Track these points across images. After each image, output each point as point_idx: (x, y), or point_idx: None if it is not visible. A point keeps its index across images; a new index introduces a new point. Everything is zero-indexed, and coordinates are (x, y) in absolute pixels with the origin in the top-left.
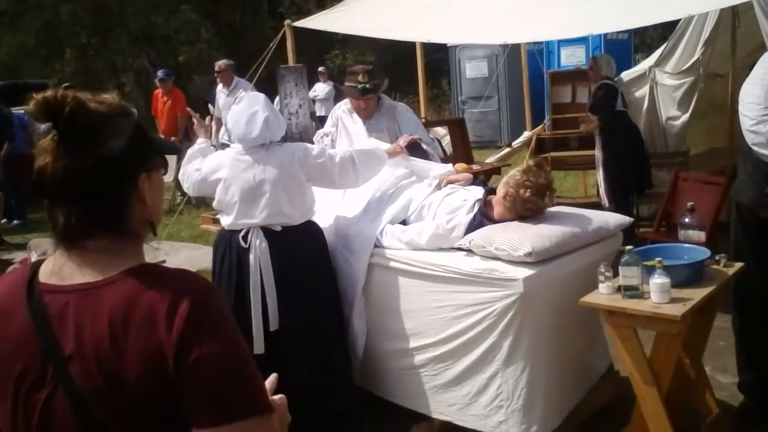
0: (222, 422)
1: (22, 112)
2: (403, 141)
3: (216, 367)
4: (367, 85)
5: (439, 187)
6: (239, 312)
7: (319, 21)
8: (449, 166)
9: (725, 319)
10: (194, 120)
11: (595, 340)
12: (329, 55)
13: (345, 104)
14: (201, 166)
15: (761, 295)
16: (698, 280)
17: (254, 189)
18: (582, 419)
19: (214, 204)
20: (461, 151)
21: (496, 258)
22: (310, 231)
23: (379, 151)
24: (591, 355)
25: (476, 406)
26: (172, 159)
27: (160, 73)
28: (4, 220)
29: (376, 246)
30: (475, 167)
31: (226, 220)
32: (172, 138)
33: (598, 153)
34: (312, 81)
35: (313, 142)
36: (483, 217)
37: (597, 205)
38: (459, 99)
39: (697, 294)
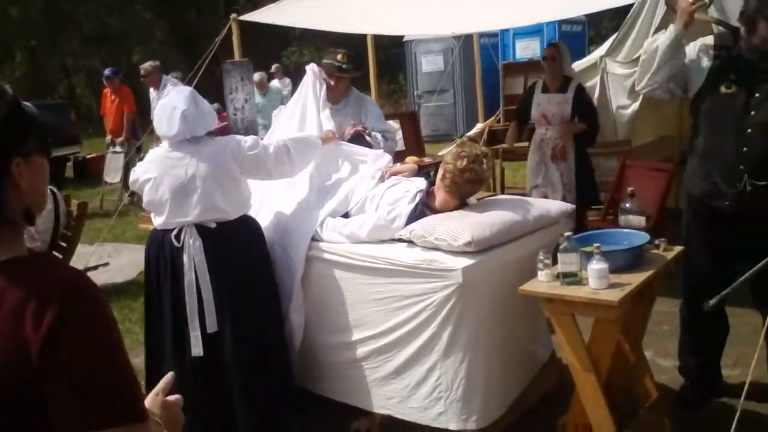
0: (85, 429)
1: None
2: (349, 130)
3: (82, 369)
4: (344, 66)
5: (382, 179)
6: (177, 315)
7: (266, 14)
8: (386, 156)
9: (669, 303)
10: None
11: (537, 329)
12: (285, 52)
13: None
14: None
15: (709, 283)
16: (637, 265)
17: (185, 186)
18: (524, 408)
19: (144, 204)
20: (413, 145)
21: (436, 248)
22: (246, 226)
23: (312, 137)
24: (533, 344)
25: (415, 399)
26: (119, 159)
27: (107, 72)
28: None
29: (315, 239)
30: (426, 160)
31: (157, 220)
32: (120, 138)
33: (571, 164)
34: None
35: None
36: (425, 208)
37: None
38: (415, 93)
39: (635, 279)
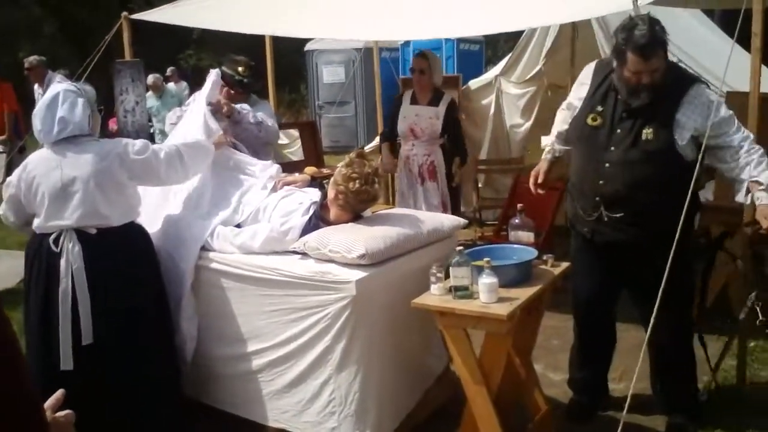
0: None
1: None
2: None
3: None
4: (245, 80)
5: (275, 189)
6: (48, 325)
7: (160, 14)
8: (275, 166)
9: (559, 318)
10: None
11: (431, 341)
12: (183, 55)
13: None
14: None
15: (590, 300)
16: (526, 279)
17: (65, 188)
18: (418, 421)
19: (11, 208)
20: (312, 155)
21: (330, 260)
22: (131, 233)
23: (204, 142)
24: (427, 356)
25: (309, 413)
26: (0, 159)
27: None
28: None
29: (205, 249)
30: (325, 171)
31: (36, 223)
32: (2, 137)
33: (443, 182)
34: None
35: (153, 141)
36: (319, 220)
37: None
38: (316, 104)
39: (524, 293)
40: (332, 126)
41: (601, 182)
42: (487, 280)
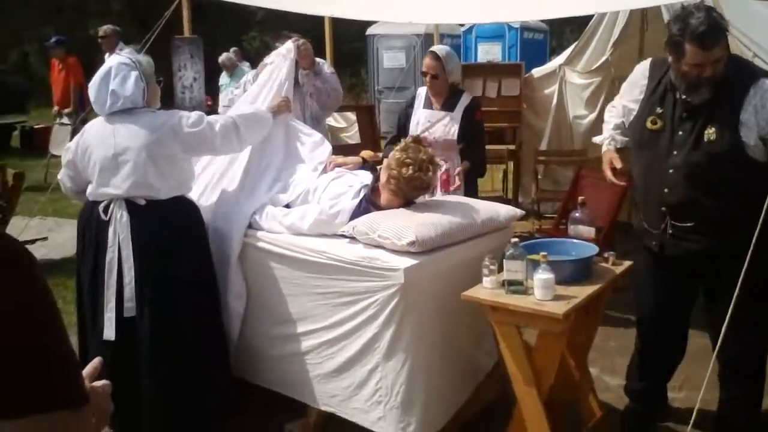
0: (15, 414)
1: None
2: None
3: (10, 347)
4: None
5: (325, 170)
6: (96, 294)
7: None
8: (327, 145)
9: (617, 319)
10: None
11: (481, 336)
12: (246, 37)
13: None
14: None
15: (657, 317)
16: (585, 277)
17: (116, 156)
18: (466, 418)
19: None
20: (368, 139)
21: (379, 246)
22: (180, 207)
23: (262, 111)
24: (477, 352)
25: (357, 400)
26: (65, 131)
27: (51, 41)
28: None
29: (254, 227)
30: (380, 155)
31: (88, 189)
32: (66, 109)
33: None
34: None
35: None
36: (369, 204)
37: (501, 200)
38: (376, 88)
39: (582, 292)
40: (391, 111)
41: (665, 190)
42: (542, 276)
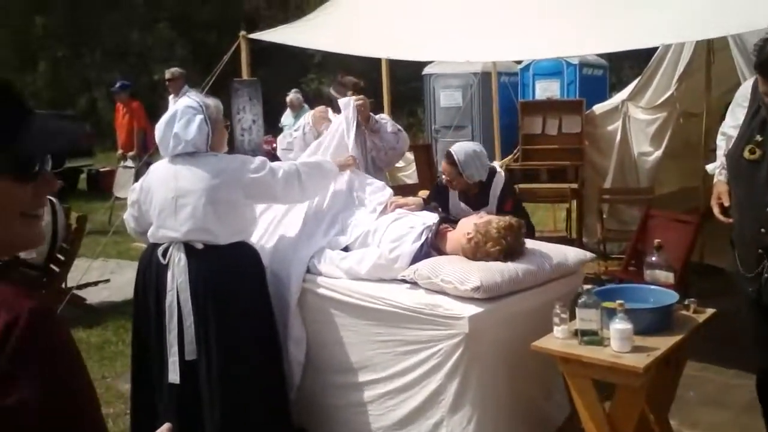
0: None
1: None
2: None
3: (39, 415)
4: None
5: (385, 211)
6: (152, 337)
7: (276, 34)
8: (388, 189)
9: (695, 366)
10: None
11: (552, 387)
12: (305, 79)
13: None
14: None
15: None
16: (665, 327)
17: (176, 199)
18: None
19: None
20: (426, 178)
21: (441, 292)
22: (239, 252)
23: (328, 163)
24: (547, 404)
25: None
26: (129, 173)
27: (114, 86)
28: None
29: (312, 272)
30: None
31: (149, 231)
32: (130, 152)
33: None
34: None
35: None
36: (431, 248)
37: (565, 240)
38: (433, 128)
39: (663, 343)
40: None
41: (762, 230)
42: (620, 326)
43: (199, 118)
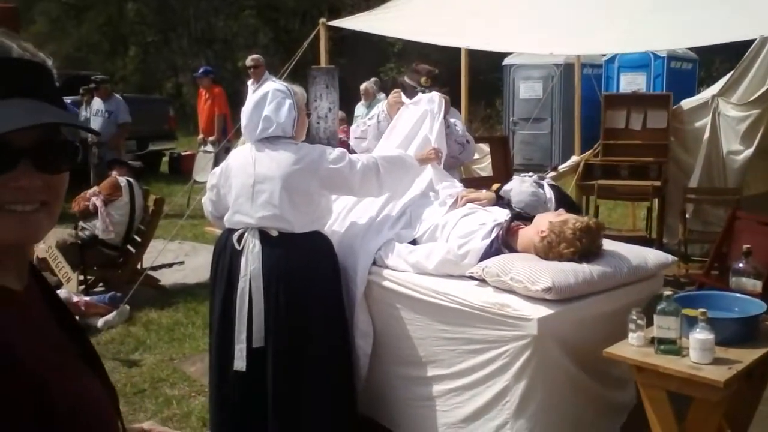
0: None
1: (69, 102)
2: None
3: None
4: (427, 90)
5: (455, 205)
6: (226, 323)
7: (356, 22)
8: (459, 185)
9: None
10: None
11: (624, 381)
12: (384, 68)
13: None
14: None
15: None
16: (749, 338)
17: (254, 185)
18: None
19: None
20: (501, 172)
21: (510, 290)
22: (313, 241)
23: (408, 158)
24: (618, 393)
25: None
26: (209, 158)
27: (198, 71)
28: None
29: (378, 265)
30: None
31: (226, 216)
32: (210, 137)
33: None
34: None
35: (345, 146)
36: (501, 245)
37: (644, 240)
38: (511, 119)
39: (746, 356)
40: (526, 143)
41: None
42: (701, 336)
43: (288, 102)
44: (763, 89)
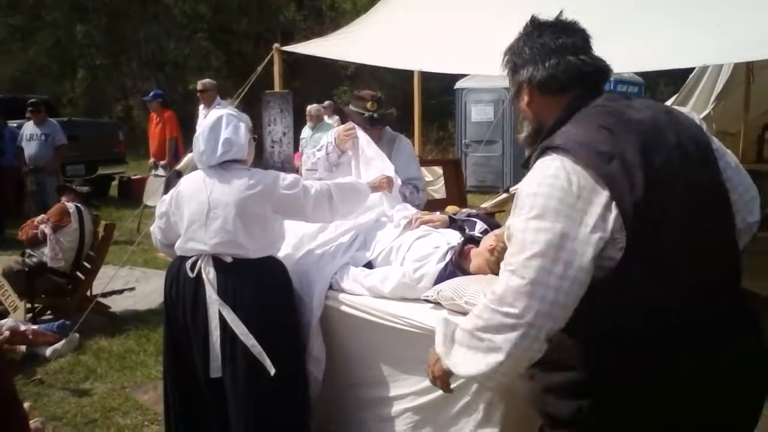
0: None
1: (15, 125)
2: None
3: None
4: (375, 115)
5: (409, 226)
6: (180, 351)
7: (309, 47)
8: (412, 209)
9: None
10: None
11: None
12: (337, 91)
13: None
14: None
15: None
16: None
17: (208, 212)
18: None
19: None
20: (455, 193)
21: (465, 313)
22: (267, 267)
23: (360, 185)
24: None
25: None
26: (160, 182)
27: (149, 95)
28: None
29: (335, 288)
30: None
31: (177, 243)
32: (160, 161)
33: None
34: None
35: (298, 172)
36: (456, 268)
37: None
38: (463, 142)
39: None
40: (478, 165)
41: None
42: None
43: (242, 125)
44: (706, 112)
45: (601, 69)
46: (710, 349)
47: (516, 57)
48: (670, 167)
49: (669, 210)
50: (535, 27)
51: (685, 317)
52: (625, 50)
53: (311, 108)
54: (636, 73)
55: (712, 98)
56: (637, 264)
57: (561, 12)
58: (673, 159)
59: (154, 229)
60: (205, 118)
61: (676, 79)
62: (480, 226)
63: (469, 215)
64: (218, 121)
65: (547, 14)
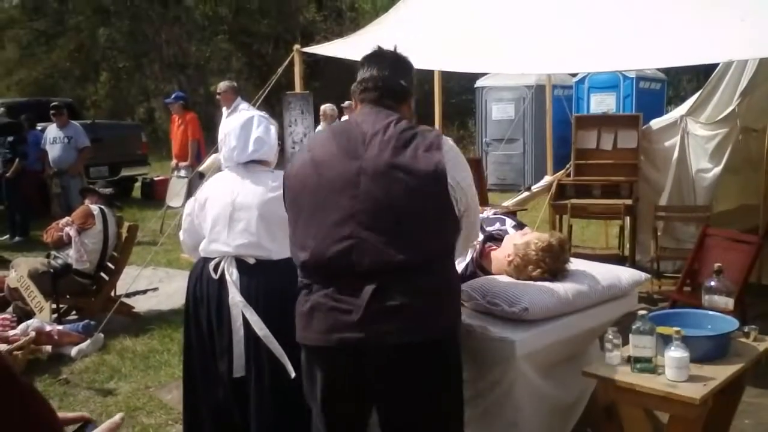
0: None
1: (39, 129)
2: None
3: None
4: None
5: None
6: (204, 352)
7: (329, 48)
8: None
9: (752, 392)
10: None
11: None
12: None
13: None
14: None
15: None
16: (723, 355)
17: (232, 213)
18: None
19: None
20: (476, 192)
21: (488, 313)
22: (289, 268)
23: None
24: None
25: None
26: (182, 183)
27: (171, 98)
28: (6, 237)
29: None
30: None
31: (201, 245)
32: (183, 163)
33: None
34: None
35: None
36: (477, 268)
37: (617, 258)
38: (484, 140)
39: (720, 372)
40: (499, 163)
41: None
42: (676, 354)
43: (273, 128)
44: (730, 108)
45: None
46: None
47: None
48: None
49: None
50: None
51: None
52: (647, 46)
53: (326, 107)
54: (659, 70)
55: (737, 94)
56: None
57: None
58: None
59: (182, 232)
60: (227, 117)
61: (699, 75)
62: (498, 225)
63: (495, 213)
64: (249, 121)
65: (568, 13)
